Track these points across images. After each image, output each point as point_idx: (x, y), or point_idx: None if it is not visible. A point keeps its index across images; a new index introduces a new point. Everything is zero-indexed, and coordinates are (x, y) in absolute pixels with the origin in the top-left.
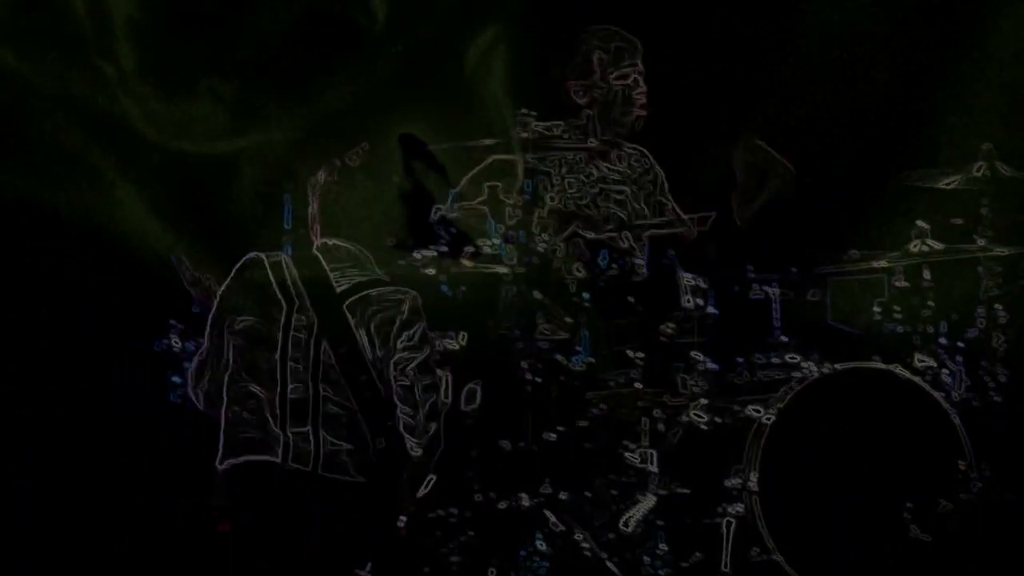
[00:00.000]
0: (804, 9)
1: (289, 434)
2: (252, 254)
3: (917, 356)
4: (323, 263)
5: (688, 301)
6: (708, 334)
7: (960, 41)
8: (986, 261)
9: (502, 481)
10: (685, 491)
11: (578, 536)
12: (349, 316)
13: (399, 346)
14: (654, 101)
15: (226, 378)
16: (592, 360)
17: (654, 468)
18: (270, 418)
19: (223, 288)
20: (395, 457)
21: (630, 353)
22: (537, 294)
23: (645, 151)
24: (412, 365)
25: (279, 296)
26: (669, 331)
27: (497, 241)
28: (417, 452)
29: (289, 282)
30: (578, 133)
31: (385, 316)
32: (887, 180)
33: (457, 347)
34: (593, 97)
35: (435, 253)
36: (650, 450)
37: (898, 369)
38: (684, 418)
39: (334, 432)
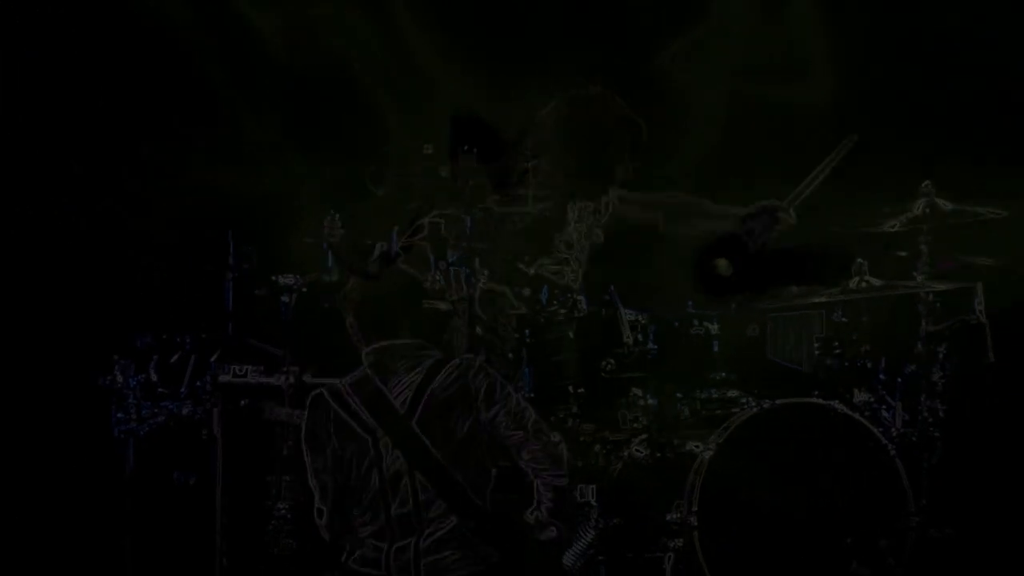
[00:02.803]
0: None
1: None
2: (315, 392)
3: (856, 391)
4: (375, 378)
5: (628, 337)
6: (648, 369)
7: (899, 77)
8: (925, 297)
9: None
10: (625, 525)
11: None
12: (422, 435)
13: (492, 413)
14: None
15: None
16: (533, 395)
17: (594, 502)
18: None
19: (304, 432)
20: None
21: (571, 389)
22: (479, 330)
23: None
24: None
25: (357, 430)
26: (609, 367)
27: (439, 278)
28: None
29: (359, 412)
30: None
31: (458, 396)
32: (830, 222)
33: None
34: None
35: None
36: (590, 485)
37: (837, 404)
38: (624, 453)
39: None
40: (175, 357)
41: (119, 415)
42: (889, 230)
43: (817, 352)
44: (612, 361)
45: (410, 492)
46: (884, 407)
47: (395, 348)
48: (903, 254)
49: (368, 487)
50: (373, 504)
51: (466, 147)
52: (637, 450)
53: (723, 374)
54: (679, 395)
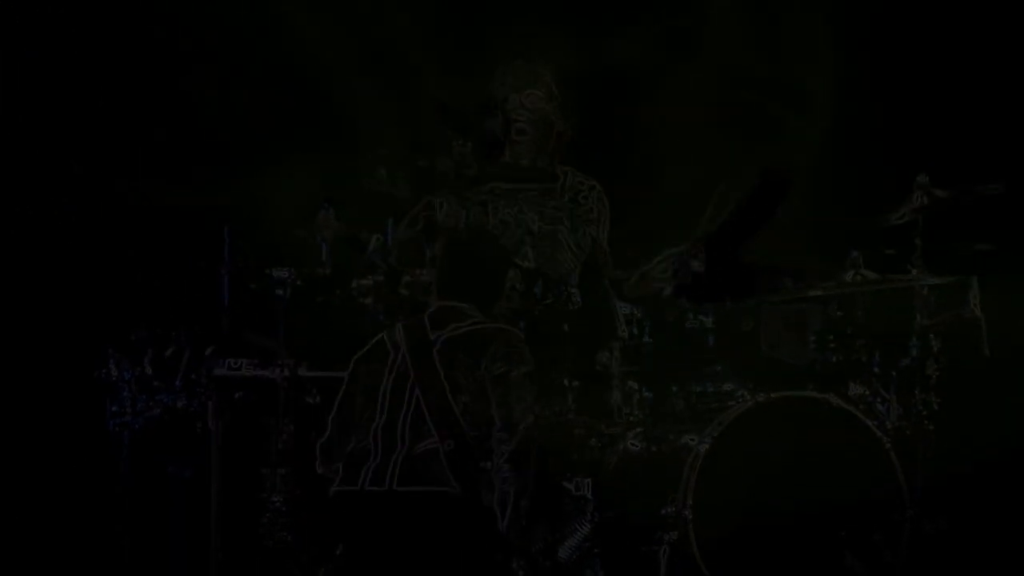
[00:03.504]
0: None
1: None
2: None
3: (851, 384)
4: (427, 326)
5: (623, 330)
6: (644, 363)
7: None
8: (919, 290)
9: None
10: (621, 518)
11: (515, 565)
12: (438, 362)
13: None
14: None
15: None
16: None
17: (589, 496)
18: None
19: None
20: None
21: (566, 382)
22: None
23: (597, 185)
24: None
25: (387, 345)
26: (605, 360)
27: None
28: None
29: (398, 339)
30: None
31: (476, 346)
32: (830, 217)
33: None
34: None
35: (372, 283)
36: (586, 478)
37: (832, 397)
38: (620, 446)
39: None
40: (170, 350)
41: (114, 408)
42: (897, 222)
43: (812, 346)
44: (607, 354)
45: (406, 404)
46: (879, 400)
47: (459, 310)
48: (892, 251)
49: (370, 404)
50: (368, 422)
51: (461, 139)
52: (632, 443)
53: (718, 367)
54: (674, 388)
